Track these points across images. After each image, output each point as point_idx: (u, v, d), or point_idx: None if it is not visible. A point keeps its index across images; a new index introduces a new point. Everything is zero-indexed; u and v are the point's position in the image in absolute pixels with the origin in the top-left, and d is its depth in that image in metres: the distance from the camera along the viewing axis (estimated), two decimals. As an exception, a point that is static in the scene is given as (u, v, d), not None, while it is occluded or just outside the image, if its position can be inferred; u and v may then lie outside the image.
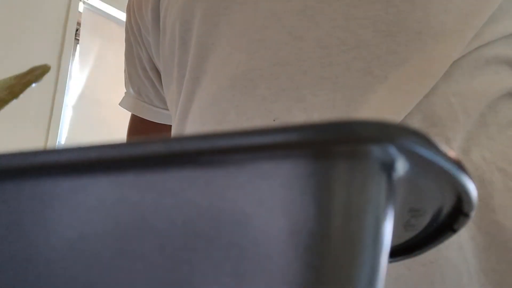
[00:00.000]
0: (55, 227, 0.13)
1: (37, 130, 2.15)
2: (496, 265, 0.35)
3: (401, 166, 0.12)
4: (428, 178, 0.14)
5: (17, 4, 2.13)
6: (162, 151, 0.12)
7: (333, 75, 0.40)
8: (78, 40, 2.39)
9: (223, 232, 0.12)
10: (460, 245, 0.35)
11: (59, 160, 0.12)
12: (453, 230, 0.18)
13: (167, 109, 0.64)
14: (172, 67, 0.54)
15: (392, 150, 0.12)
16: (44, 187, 0.13)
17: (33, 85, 0.22)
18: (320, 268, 0.11)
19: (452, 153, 0.13)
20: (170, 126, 0.65)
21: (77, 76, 2.37)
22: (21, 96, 0.23)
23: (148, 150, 0.12)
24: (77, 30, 2.38)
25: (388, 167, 0.12)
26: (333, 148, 0.11)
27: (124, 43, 0.69)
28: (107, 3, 2.44)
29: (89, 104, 2.38)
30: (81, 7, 2.37)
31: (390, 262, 0.17)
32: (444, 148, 0.12)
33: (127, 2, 0.68)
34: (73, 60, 2.39)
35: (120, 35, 2.45)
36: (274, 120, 0.41)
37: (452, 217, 0.17)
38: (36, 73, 0.22)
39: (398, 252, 0.20)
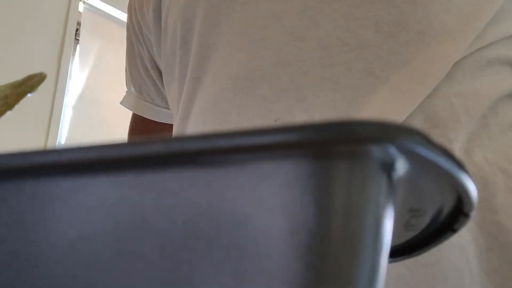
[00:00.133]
0: (55, 227, 0.13)
1: (37, 130, 2.15)
2: (498, 266, 0.35)
3: (401, 166, 0.12)
4: (428, 178, 0.14)
5: (17, 4, 2.13)
6: (162, 151, 0.12)
7: (334, 76, 0.40)
8: (78, 40, 2.39)
9: (223, 232, 0.12)
10: (462, 246, 0.35)
11: (59, 160, 0.12)
12: (453, 230, 0.18)
13: (169, 108, 0.64)
14: (173, 66, 0.54)
15: (392, 150, 0.12)
16: (44, 187, 0.13)
17: (29, 95, 0.22)
18: (320, 268, 0.11)
19: (452, 153, 0.13)
20: (172, 125, 0.65)
21: (77, 76, 2.37)
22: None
23: (148, 150, 0.12)
24: (77, 30, 2.38)
25: (388, 167, 0.12)
26: (333, 148, 0.11)
27: (124, 43, 0.69)
28: (107, 3, 2.44)
29: (89, 104, 2.38)
30: (81, 7, 2.37)
31: (390, 262, 0.17)
32: (444, 148, 0.12)
33: (127, 2, 0.68)
34: (73, 60, 2.39)
35: (120, 35, 2.45)
36: (275, 121, 0.41)
37: (452, 217, 0.17)
38: (32, 83, 0.22)
39: (398, 252, 0.20)
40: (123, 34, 0.69)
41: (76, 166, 0.12)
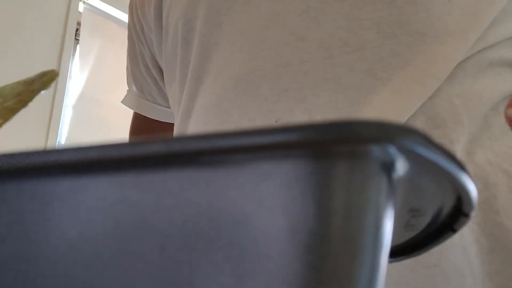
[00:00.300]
0: (55, 227, 0.13)
1: (37, 130, 2.15)
2: (501, 267, 0.35)
3: (401, 166, 0.12)
4: (428, 178, 0.14)
5: (17, 4, 2.13)
6: (162, 151, 0.12)
7: (336, 76, 0.39)
8: (78, 40, 2.39)
9: (223, 232, 0.12)
10: (463, 247, 0.35)
11: (59, 160, 0.12)
12: (453, 230, 0.18)
13: (170, 107, 0.64)
14: (174, 66, 0.54)
15: (392, 150, 0.12)
16: (44, 187, 0.13)
17: (42, 92, 0.22)
18: (320, 268, 0.11)
19: (452, 153, 0.13)
20: (173, 124, 0.65)
21: (77, 76, 2.37)
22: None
23: (148, 150, 0.12)
24: (77, 30, 2.38)
25: (388, 167, 0.12)
26: (333, 148, 0.11)
27: (124, 43, 0.69)
28: (107, 3, 2.44)
29: (89, 104, 2.38)
30: (81, 7, 2.37)
31: (390, 262, 0.17)
32: (444, 148, 0.12)
33: (127, 2, 0.68)
34: (73, 60, 2.39)
35: (120, 35, 2.45)
36: (276, 121, 0.41)
37: (452, 217, 0.17)
38: (44, 80, 0.22)
39: (398, 252, 0.20)
40: (123, 34, 0.69)
41: (76, 166, 0.12)
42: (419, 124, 0.38)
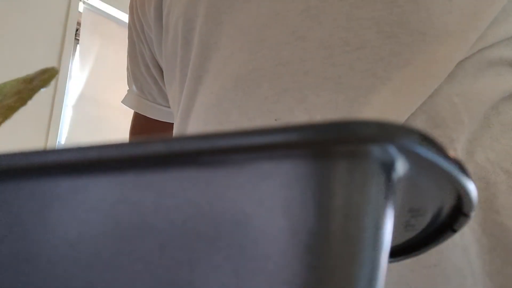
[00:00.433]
0: (55, 227, 0.13)
1: (37, 130, 2.15)
2: (501, 267, 0.35)
3: (401, 166, 0.12)
4: (428, 178, 0.14)
5: (17, 4, 2.13)
6: (162, 151, 0.12)
7: (336, 76, 0.39)
8: (78, 40, 2.39)
9: (223, 232, 0.12)
10: (464, 247, 0.35)
11: (59, 160, 0.12)
12: (453, 230, 0.18)
13: (170, 107, 0.64)
14: (174, 65, 0.54)
15: (392, 150, 0.12)
16: (44, 187, 0.13)
17: (42, 89, 0.22)
18: (320, 268, 0.11)
19: (452, 153, 0.13)
20: (173, 124, 0.65)
21: (77, 76, 2.37)
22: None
23: (148, 150, 0.12)
24: (77, 30, 2.38)
25: (388, 167, 0.12)
26: (333, 148, 0.11)
27: (124, 43, 0.69)
28: (107, 3, 2.44)
29: (89, 104, 2.38)
30: (81, 7, 2.37)
31: (390, 262, 0.17)
32: (444, 148, 0.12)
33: (127, 2, 0.68)
34: (73, 60, 2.39)
35: (120, 35, 2.45)
36: (275, 120, 0.41)
37: (452, 217, 0.17)
38: (44, 77, 0.22)
39: (398, 252, 0.20)
40: (123, 34, 0.69)
41: (76, 166, 0.12)
42: (419, 123, 0.38)
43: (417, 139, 0.12)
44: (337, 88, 0.39)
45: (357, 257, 0.11)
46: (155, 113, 0.69)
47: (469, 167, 0.37)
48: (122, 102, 0.71)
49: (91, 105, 2.38)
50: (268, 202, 0.12)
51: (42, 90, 0.22)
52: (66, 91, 2.28)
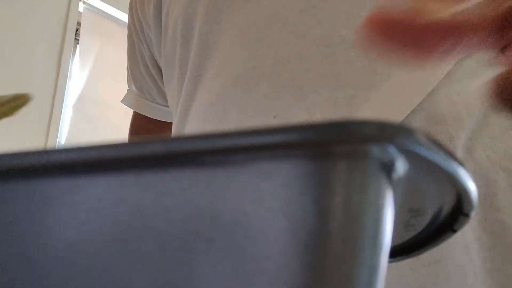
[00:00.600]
0: (54, 227, 0.13)
1: (37, 130, 2.15)
2: (502, 265, 0.35)
3: (401, 166, 0.12)
4: (428, 178, 0.14)
5: (17, 4, 2.13)
6: (162, 151, 0.12)
7: (335, 73, 0.39)
8: (78, 40, 2.39)
9: (222, 232, 0.12)
10: (465, 245, 0.35)
11: (59, 160, 0.12)
12: (453, 230, 0.18)
13: (169, 106, 0.64)
14: (173, 64, 0.54)
15: (392, 150, 0.12)
16: (44, 187, 0.13)
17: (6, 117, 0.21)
18: (320, 268, 0.11)
19: (452, 153, 0.13)
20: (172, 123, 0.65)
21: (77, 76, 2.37)
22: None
23: (148, 150, 0.12)
24: (77, 30, 2.38)
25: (387, 167, 0.12)
26: (332, 148, 0.11)
27: (124, 43, 0.69)
28: (107, 3, 2.44)
29: (89, 104, 2.38)
30: (81, 7, 2.37)
31: (390, 262, 0.17)
32: (444, 148, 0.12)
33: (127, 2, 0.68)
34: (73, 60, 2.39)
35: (120, 35, 2.45)
36: (274, 117, 0.41)
37: (452, 217, 0.17)
38: (13, 105, 0.22)
39: (398, 252, 0.20)
40: (123, 34, 0.69)
41: (76, 166, 0.12)
42: (419, 120, 0.38)
43: (417, 139, 0.12)
44: (336, 86, 0.39)
45: (357, 257, 0.11)
46: (155, 113, 0.69)
47: (469, 165, 0.37)
48: (121, 101, 0.71)
49: (91, 105, 2.38)
50: (268, 202, 0.12)
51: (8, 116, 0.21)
52: (66, 91, 2.28)
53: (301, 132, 0.11)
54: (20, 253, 0.13)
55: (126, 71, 0.71)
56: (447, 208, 0.17)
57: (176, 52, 0.53)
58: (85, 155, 0.12)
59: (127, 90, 0.71)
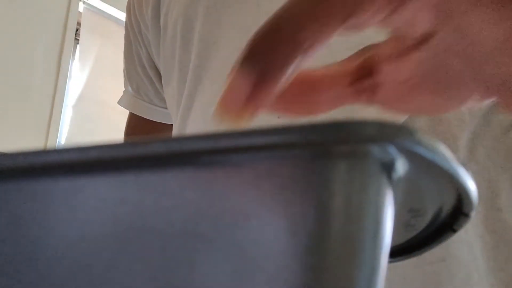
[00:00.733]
0: (55, 227, 0.13)
1: (37, 130, 2.15)
2: (504, 265, 0.35)
3: (401, 166, 0.12)
4: (428, 178, 0.14)
5: (17, 4, 2.13)
6: (162, 151, 0.12)
7: None
8: (78, 40, 2.39)
9: (222, 232, 0.12)
10: (469, 243, 0.35)
11: (59, 160, 0.12)
12: (453, 230, 0.18)
13: (166, 108, 0.64)
14: (173, 65, 0.54)
15: (392, 150, 0.12)
16: (44, 187, 0.13)
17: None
18: (320, 268, 0.11)
19: (452, 153, 0.13)
20: (169, 125, 0.65)
21: (77, 76, 2.37)
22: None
23: (148, 150, 0.12)
24: (77, 30, 2.38)
25: (388, 167, 0.12)
26: (333, 148, 0.11)
27: (124, 37, 0.69)
28: (107, 3, 2.44)
29: (89, 104, 2.38)
30: (81, 7, 2.37)
31: (390, 262, 0.17)
32: (444, 147, 0.12)
33: (127, 2, 0.68)
34: (73, 60, 2.39)
35: (120, 35, 2.44)
36: (278, 117, 0.41)
37: (452, 217, 0.17)
38: None
39: (398, 252, 0.20)
40: (123, 34, 0.69)
41: (76, 166, 0.12)
42: (423, 120, 0.38)
43: (417, 139, 0.12)
44: None
45: (357, 257, 0.11)
46: (151, 114, 0.69)
47: (471, 165, 0.37)
48: (118, 103, 0.71)
49: (91, 105, 2.38)
50: (268, 202, 0.12)
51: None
52: (66, 91, 2.28)
53: (301, 132, 0.11)
54: (20, 253, 0.13)
55: (123, 72, 0.71)
56: (447, 208, 0.17)
57: (176, 53, 0.53)
58: (85, 155, 0.12)
59: (123, 91, 0.71)
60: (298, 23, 0.19)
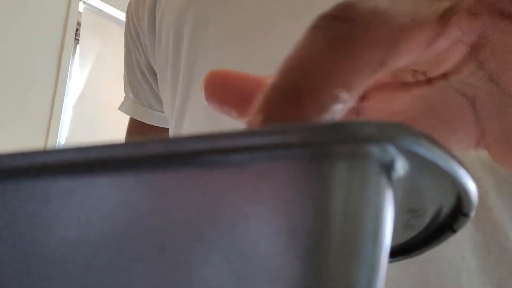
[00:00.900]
0: (54, 228, 0.13)
1: (37, 130, 2.15)
2: (495, 264, 0.35)
3: (401, 166, 0.12)
4: (428, 178, 0.14)
5: (17, 4, 2.13)
6: (162, 151, 0.12)
7: None
8: (78, 40, 2.39)
9: (222, 232, 0.12)
10: (458, 244, 0.36)
11: (59, 160, 0.12)
12: (453, 230, 0.18)
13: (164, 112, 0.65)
14: (166, 71, 0.55)
15: (392, 150, 0.12)
16: (44, 187, 0.13)
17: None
18: (319, 268, 0.11)
19: (452, 153, 0.13)
20: (168, 129, 0.66)
21: (77, 76, 2.37)
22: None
23: (148, 150, 0.12)
24: (77, 30, 2.38)
25: (387, 167, 0.12)
26: (332, 149, 0.11)
27: (124, 43, 0.70)
28: (107, 3, 2.44)
29: (89, 104, 2.38)
30: (81, 7, 2.37)
31: (390, 262, 0.17)
32: (444, 147, 0.12)
33: (127, 2, 0.68)
34: (73, 60, 2.39)
35: (120, 35, 2.45)
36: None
37: (452, 217, 0.17)
38: None
39: (398, 252, 0.20)
40: (123, 34, 0.70)
41: (76, 166, 0.12)
42: None
43: (417, 139, 0.12)
44: None
45: (357, 257, 0.11)
46: (151, 119, 0.70)
47: None
48: (119, 108, 0.72)
49: (91, 105, 2.38)
50: (267, 202, 0.12)
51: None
52: (66, 91, 2.28)
53: (301, 133, 0.11)
54: (20, 254, 0.13)
55: (123, 78, 0.72)
56: (447, 208, 0.17)
57: (169, 58, 0.54)
58: (85, 155, 0.12)
59: (124, 97, 0.72)
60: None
